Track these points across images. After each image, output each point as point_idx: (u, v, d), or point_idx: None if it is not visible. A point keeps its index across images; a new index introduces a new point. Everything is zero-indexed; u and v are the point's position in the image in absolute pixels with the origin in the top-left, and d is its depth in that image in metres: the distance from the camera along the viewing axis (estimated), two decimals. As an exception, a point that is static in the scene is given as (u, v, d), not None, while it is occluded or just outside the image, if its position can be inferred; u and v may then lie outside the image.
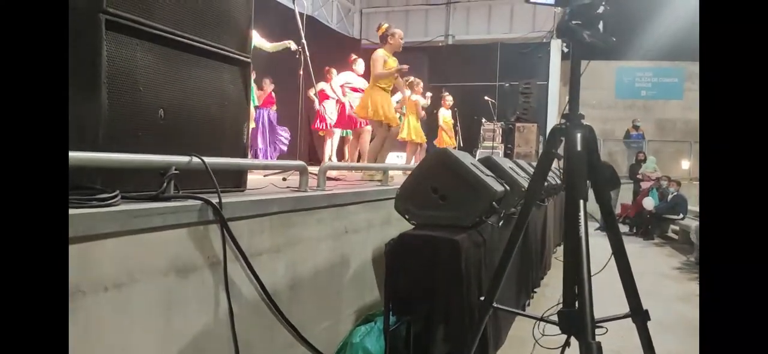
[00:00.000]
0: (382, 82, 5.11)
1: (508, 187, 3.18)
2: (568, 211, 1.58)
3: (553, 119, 12.13)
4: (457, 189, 2.74)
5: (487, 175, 3.03)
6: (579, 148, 1.61)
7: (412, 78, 8.11)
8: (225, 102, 2.36)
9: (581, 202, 1.57)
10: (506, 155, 10.13)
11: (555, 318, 1.62)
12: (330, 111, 7.48)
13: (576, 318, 1.46)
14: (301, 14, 4.42)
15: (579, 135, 1.63)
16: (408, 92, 7.71)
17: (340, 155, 7.99)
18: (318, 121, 7.63)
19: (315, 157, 8.42)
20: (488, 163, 3.57)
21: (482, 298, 1.93)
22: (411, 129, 7.46)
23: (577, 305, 1.46)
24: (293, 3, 4.42)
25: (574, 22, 1.64)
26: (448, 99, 9.19)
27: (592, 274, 1.48)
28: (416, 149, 7.84)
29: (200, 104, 2.22)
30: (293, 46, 5.03)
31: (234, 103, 2.40)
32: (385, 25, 5.32)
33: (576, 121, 1.66)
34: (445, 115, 9.13)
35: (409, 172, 2.98)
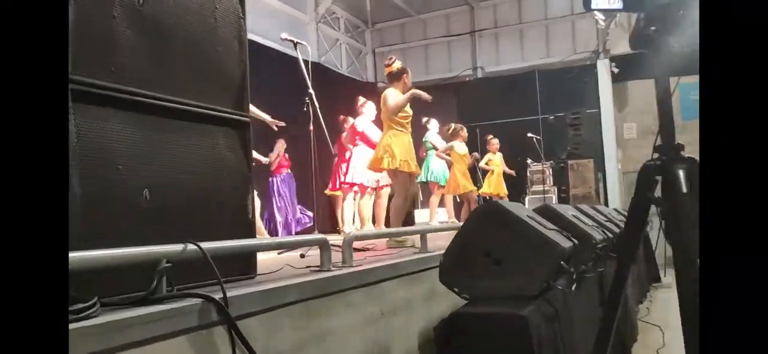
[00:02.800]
0: (398, 118, 5.04)
1: (576, 241, 3.00)
2: (681, 280, 1.38)
3: (611, 151, 11.88)
4: (515, 249, 2.57)
5: (550, 229, 2.87)
6: (685, 189, 1.42)
7: (453, 124, 8.11)
8: (223, 173, 2.28)
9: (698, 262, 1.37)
10: (561, 200, 9.92)
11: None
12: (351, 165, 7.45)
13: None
14: (306, 61, 4.38)
15: (682, 172, 1.44)
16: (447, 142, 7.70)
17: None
18: (336, 178, 7.58)
19: (336, 226, 8.33)
20: (547, 212, 3.40)
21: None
22: (459, 182, 7.42)
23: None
24: (295, 48, 4.38)
25: (652, 28, 1.49)
26: (495, 142, 9.18)
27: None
28: (465, 203, 7.77)
29: (193, 179, 2.14)
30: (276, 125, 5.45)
31: (234, 173, 2.32)
32: (398, 63, 5.26)
33: (674, 155, 1.48)
34: (494, 160, 9.09)
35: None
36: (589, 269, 3.29)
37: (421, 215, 9.65)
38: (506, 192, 9.13)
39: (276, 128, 4.94)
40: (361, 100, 7.17)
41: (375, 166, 5.10)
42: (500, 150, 9.39)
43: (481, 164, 9.12)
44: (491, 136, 9.40)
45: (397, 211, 4.95)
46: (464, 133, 8.09)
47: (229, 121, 2.32)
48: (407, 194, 5.08)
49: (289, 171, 7.79)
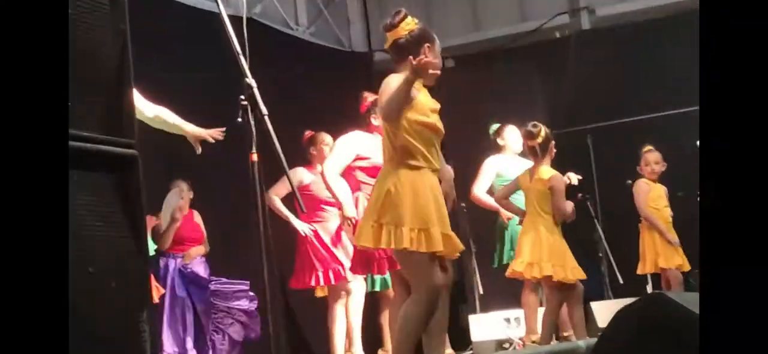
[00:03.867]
0: (410, 135, 5.05)
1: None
2: None
3: None
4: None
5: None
6: None
7: (542, 129, 8.01)
8: (88, 259, 2.34)
9: None
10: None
11: None
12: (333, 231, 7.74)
13: None
14: (234, 17, 4.36)
15: None
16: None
17: (376, 332, 8.07)
18: (310, 269, 7.75)
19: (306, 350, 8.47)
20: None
21: None
22: (534, 251, 7.40)
23: None
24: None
25: None
26: (653, 157, 9.27)
27: None
28: (569, 298, 7.74)
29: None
30: (216, 136, 5.78)
31: (111, 265, 2.38)
32: (411, 21, 5.24)
33: None
34: (655, 197, 9.25)
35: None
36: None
37: (482, 327, 9.69)
38: (685, 263, 9.09)
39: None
40: (368, 96, 7.20)
41: (365, 240, 5.17)
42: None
43: (648, 207, 9.14)
44: (648, 149, 9.37)
45: (416, 327, 5.03)
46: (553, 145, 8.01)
47: (100, 156, 2.36)
48: (433, 297, 5.05)
49: (203, 255, 7.87)
